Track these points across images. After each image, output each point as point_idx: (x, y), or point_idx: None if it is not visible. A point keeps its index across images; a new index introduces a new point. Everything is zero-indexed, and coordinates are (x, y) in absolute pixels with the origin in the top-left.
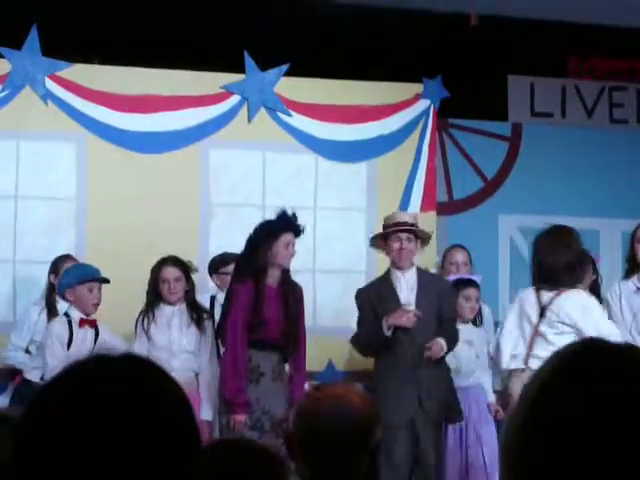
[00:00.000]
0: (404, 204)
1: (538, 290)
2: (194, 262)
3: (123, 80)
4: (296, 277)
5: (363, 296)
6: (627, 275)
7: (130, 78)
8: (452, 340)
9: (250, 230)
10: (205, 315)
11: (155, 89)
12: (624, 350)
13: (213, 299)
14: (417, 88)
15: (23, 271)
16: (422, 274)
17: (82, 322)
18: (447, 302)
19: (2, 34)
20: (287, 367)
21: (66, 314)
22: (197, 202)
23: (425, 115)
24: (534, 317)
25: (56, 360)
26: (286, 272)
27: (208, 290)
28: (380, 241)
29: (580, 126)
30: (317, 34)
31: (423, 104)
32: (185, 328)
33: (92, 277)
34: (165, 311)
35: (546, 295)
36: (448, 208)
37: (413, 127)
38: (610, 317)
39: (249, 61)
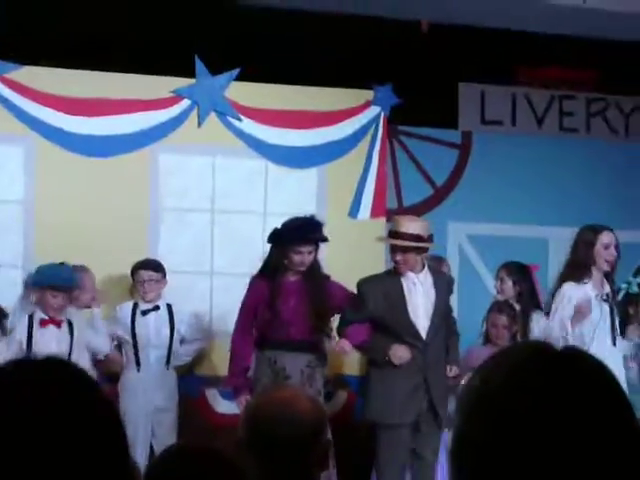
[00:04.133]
0: (354, 210)
1: None
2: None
3: (72, 83)
4: (245, 280)
5: (368, 290)
6: (574, 279)
7: (79, 81)
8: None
9: (199, 235)
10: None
11: (105, 92)
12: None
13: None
14: (368, 95)
15: None
16: (436, 277)
17: (44, 322)
18: (449, 308)
19: None
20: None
21: (29, 316)
22: (146, 206)
23: (375, 122)
24: None
25: None
26: (310, 268)
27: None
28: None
29: (530, 134)
30: (268, 39)
31: (373, 111)
32: None
33: (49, 284)
34: None
35: None
36: (398, 215)
37: (363, 134)
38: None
39: (200, 65)
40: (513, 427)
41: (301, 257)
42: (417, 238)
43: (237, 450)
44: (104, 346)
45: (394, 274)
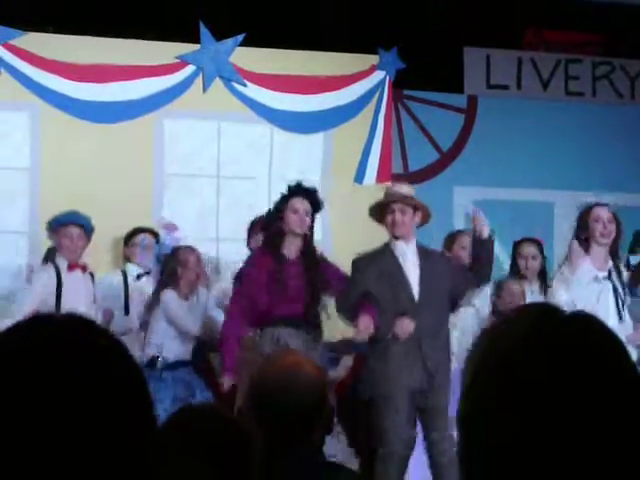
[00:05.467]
0: (359, 175)
1: None
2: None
3: (78, 49)
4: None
5: (362, 264)
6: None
7: (85, 47)
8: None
9: (204, 201)
10: None
11: (110, 59)
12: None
13: (124, 274)
14: (373, 59)
15: None
16: (422, 250)
17: (71, 266)
18: (456, 270)
19: None
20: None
21: (55, 264)
22: (151, 172)
23: (381, 86)
24: None
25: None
26: (307, 243)
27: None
28: (380, 215)
29: (536, 98)
30: (273, 3)
31: (379, 75)
32: None
33: (61, 222)
34: None
35: None
36: (403, 180)
37: (369, 98)
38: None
39: (204, 31)
40: (521, 389)
41: (298, 216)
42: (410, 199)
43: (240, 417)
44: (192, 327)
45: (385, 247)
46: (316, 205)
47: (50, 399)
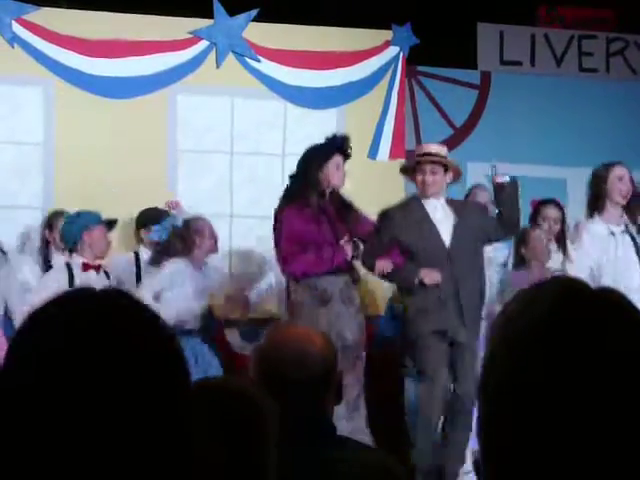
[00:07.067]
0: (373, 151)
1: None
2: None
3: (91, 24)
4: (265, 222)
5: (390, 218)
6: (588, 215)
7: (98, 22)
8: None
9: (218, 177)
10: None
11: (123, 34)
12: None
13: (137, 255)
14: (386, 35)
15: None
16: (453, 201)
17: (86, 266)
18: (488, 218)
19: None
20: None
21: (67, 264)
22: (164, 148)
23: (394, 62)
24: None
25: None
26: (334, 193)
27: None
28: (411, 172)
29: (549, 75)
30: None
31: (392, 51)
32: None
33: (90, 222)
34: None
35: None
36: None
37: (382, 74)
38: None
39: (218, 6)
40: (547, 366)
41: (339, 173)
42: (441, 158)
43: (256, 388)
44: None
45: (412, 199)
46: (347, 156)
47: (90, 370)
